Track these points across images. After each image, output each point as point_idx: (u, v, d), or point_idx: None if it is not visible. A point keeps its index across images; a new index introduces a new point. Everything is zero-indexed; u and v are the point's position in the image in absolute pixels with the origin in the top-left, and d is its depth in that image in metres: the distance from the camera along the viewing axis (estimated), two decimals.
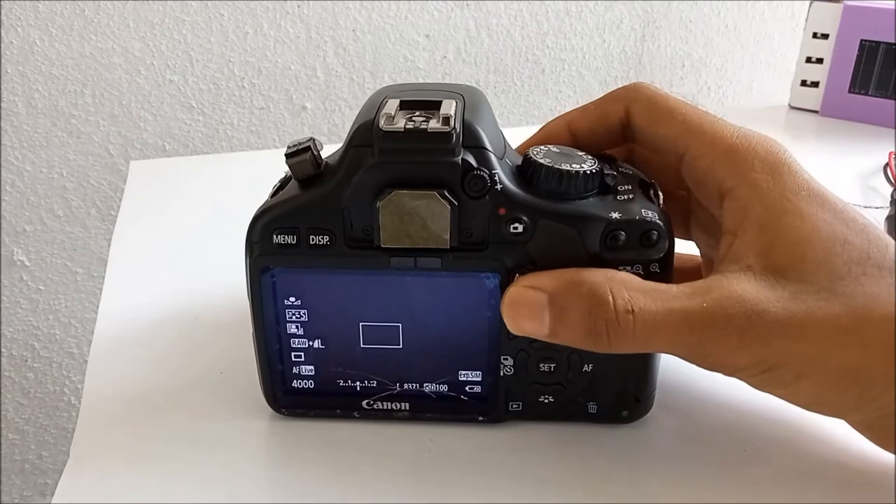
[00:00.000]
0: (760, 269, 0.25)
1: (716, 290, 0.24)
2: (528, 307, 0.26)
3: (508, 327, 0.26)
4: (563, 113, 0.31)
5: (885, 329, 0.23)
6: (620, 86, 0.30)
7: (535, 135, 0.31)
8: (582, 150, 0.28)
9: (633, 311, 0.24)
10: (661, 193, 0.28)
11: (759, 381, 0.25)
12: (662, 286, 0.25)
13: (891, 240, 0.25)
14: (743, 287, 0.24)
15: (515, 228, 0.26)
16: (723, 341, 0.24)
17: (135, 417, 0.31)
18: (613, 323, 0.24)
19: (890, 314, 0.23)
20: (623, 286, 0.25)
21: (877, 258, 0.24)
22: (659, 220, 0.26)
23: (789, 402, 0.25)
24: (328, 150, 0.28)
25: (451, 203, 0.25)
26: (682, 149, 0.28)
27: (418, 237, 0.26)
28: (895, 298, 0.23)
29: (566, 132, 0.30)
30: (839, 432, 0.29)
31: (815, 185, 0.26)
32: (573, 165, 0.26)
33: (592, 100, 0.31)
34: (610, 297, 0.24)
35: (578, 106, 0.31)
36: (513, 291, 0.26)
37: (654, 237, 0.26)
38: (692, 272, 0.32)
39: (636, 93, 0.29)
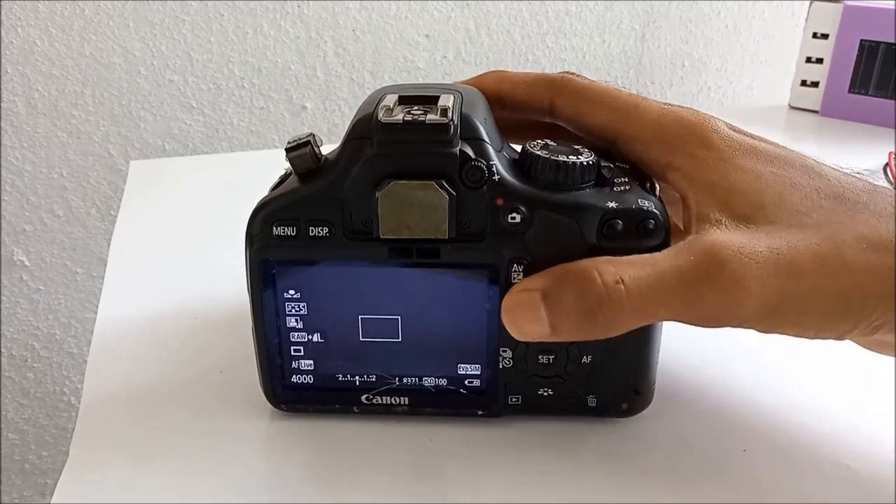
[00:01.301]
0: (728, 220, 0.25)
1: (699, 244, 0.25)
2: (524, 309, 0.26)
3: (513, 335, 0.26)
4: (497, 70, 0.32)
5: (860, 248, 0.24)
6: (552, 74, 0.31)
7: (467, 80, 0.32)
8: (577, 144, 0.28)
9: (622, 280, 0.24)
10: (657, 185, 0.28)
11: (768, 325, 0.25)
12: (646, 255, 0.25)
13: (829, 169, 0.27)
14: (723, 236, 0.25)
15: (513, 219, 0.26)
16: (721, 290, 0.24)
17: (135, 417, 0.30)
18: (605, 297, 0.24)
19: (860, 235, 0.24)
20: (608, 263, 0.25)
21: (825, 191, 0.26)
22: (655, 209, 0.26)
23: (799, 336, 0.26)
24: (327, 150, 0.28)
25: (449, 193, 0.25)
26: (612, 135, 0.29)
27: (417, 228, 0.26)
28: (858, 224, 0.25)
29: (496, 101, 0.31)
30: (839, 432, 0.29)
31: (746, 140, 0.27)
32: (570, 157, 0.26)
33: (525, 71, 0.31)
34: (596, 274, 0.24)
35: (511, 71, 0.32)
36: (508, 299, 0.26)
37: (651, 226, 0.26)
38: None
39: (562, 86, 0.30)
